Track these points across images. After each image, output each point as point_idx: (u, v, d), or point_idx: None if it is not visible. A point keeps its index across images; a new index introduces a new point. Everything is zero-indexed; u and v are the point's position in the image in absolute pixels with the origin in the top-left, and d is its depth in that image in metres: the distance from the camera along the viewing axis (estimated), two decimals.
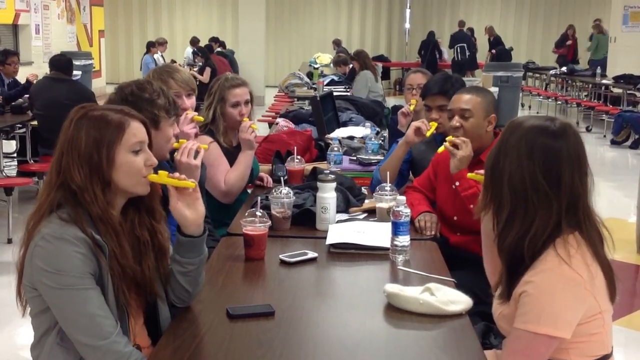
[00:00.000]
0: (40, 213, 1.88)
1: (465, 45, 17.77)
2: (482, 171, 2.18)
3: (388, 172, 3.19)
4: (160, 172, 2.00)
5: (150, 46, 14.94)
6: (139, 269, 1.96)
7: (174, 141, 2.65)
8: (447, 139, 3.02)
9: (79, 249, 1.80)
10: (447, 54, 18.59)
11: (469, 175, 2.22)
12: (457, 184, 2.97)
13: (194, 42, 16.45)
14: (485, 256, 2.27)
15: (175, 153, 2.74)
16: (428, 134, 3.37)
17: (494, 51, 17.85)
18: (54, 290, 1.81)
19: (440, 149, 3.05)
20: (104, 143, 1.88)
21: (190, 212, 2.01)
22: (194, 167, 2.69)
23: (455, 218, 3.09)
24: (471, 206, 2.83)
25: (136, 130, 1.95)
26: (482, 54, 18.59)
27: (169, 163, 2.77)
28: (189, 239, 2.03)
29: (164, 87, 2.64)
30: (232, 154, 3.47)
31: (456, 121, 3.03)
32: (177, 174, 2.03)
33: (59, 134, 1.93)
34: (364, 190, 3.46)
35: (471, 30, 18.50)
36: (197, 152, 2.70)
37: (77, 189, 1.86)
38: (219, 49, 15.34)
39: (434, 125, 3.40)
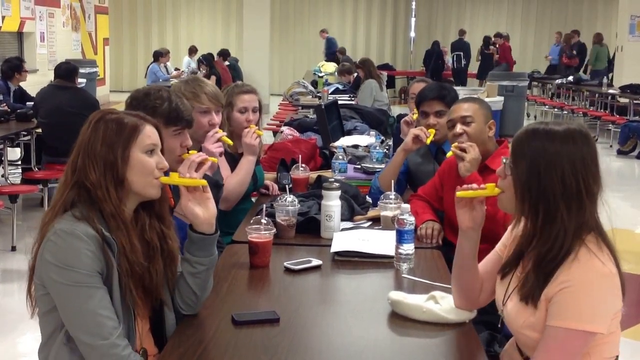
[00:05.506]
0: (55, 211, 1.92)
1: (461, 53, 18.11)
2: (473, 185, 2.17)
3: (388, 180, 3.21)
4: (171, 173, 2.05)
5: (160, 56, 14.97)
6: (147, 266, 1.97)
7: (181, 152, 2.52)
8: (452, 145, 3.03)
9: (88, 246, 1.83)
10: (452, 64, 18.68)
11: (459, 194, 2.18)
12: None
13: (192, 51, 16.49)
14: (459, 275, 2.17)
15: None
16: (428, 141, 3.37)
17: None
18: (60, 285, 1.84)
19: (449, 154, 3.06)
20: (119, 142, 1.94)
21: (202, 210, 2.06)
22: None
23: None
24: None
25: (150, 133, 2.00)
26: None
27: None
28: (201, 236, 2.06)
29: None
30: (235, 161, 3.43)
31: (459, 128, 3.05)
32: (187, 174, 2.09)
33: (73, 139, 1.98)
34: (368, 198, 3.46)
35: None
36: (200, 165, 2.32)
37: (91, 186, 1.90)
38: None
39: (433, 132, 3.41)
